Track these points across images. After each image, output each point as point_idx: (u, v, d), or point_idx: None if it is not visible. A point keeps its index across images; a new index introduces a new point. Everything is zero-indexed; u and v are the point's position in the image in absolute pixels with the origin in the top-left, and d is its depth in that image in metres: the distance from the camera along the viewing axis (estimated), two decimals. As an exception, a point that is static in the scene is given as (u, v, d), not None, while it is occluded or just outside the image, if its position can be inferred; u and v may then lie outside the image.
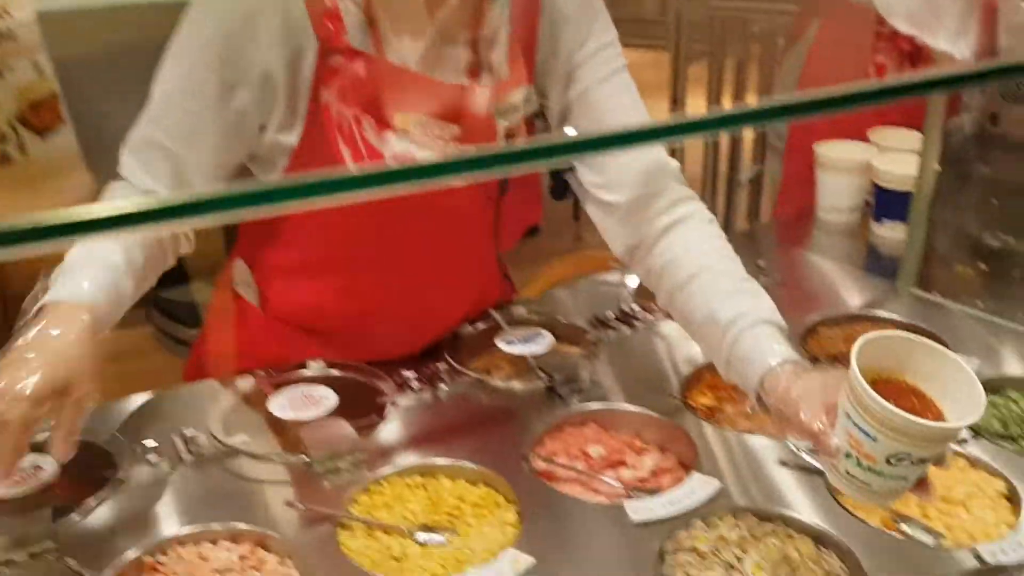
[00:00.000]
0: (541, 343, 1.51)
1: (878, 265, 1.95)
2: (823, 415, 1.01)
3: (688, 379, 1.51)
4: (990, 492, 1.23)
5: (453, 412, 1.42)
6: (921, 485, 0.99)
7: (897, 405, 0.92)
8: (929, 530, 1.18)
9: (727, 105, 3.76)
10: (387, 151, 1.28)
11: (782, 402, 1.09)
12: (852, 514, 1.18)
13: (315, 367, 1.49)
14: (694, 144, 3.93)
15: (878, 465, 0.95)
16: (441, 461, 1.29)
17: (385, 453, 1.31)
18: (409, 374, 1.47)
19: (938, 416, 0.96)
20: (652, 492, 1.25)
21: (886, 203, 2.00)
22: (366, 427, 1.35)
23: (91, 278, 1.15)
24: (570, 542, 1.14)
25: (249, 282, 1.52)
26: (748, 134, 3.71)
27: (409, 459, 1.29)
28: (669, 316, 1.44)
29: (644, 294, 1.77)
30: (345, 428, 1.30)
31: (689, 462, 1.31)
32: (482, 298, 1.63)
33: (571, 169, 1.42)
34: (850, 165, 2.07)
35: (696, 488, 1.21)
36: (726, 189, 3.90)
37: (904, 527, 1.18)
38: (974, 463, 1.29)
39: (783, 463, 1.28)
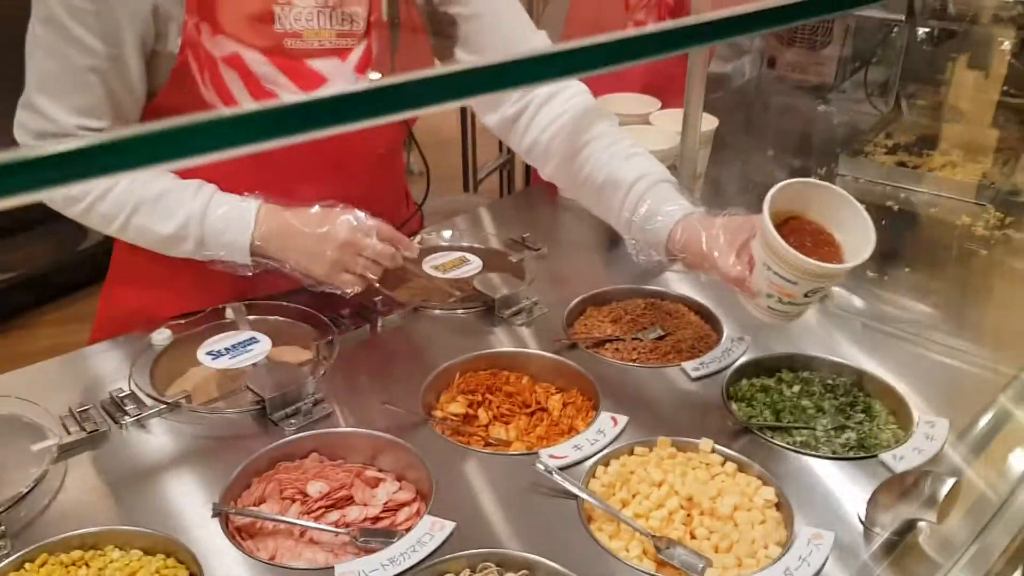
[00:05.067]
0: (254, 353, 1.25)
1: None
2: (738, 260, 1.17)
3: (436, 383, 1.30)
4: (759, 502, 1.10)
5: (134, 454, 1.14)
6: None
7: (802, 244, 1.13)
8: (695, 555, 1.03)
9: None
10: (218, 53, 1.24)
11: (696, 255, 1.22)
12: (608, 551, 1.01)
13: None
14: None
15: (798, 299, 1.15)
16: (110, 527, 1.01)
17: (32, 523, 1.02)
18: (69, 411, 1.18)
19: (834, 244, 1.16)
20: (387, 535, 1.04)
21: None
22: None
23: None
24: (263, 627, 0.91)
25: None
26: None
27: (66, 527, 1.01)
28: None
29: (390, 283, 1.54)
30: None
31: (428, 492, 1.10)
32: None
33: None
34: (631, 120, 1.89)
35: (424, 536, 1.00)
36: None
37: (666, 555, 1.02)
38: (744, 467, 1.15)
39: (536, 487, 1.10)
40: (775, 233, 1.10)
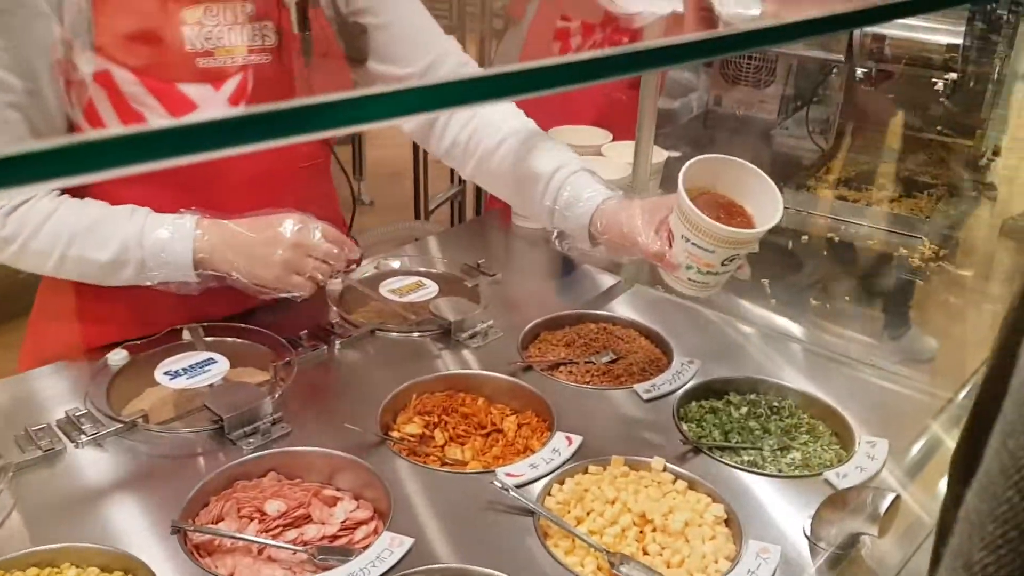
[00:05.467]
0: (212, 373, 1.26)
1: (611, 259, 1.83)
2: (657, 237, 1.23)
3: (393, 404, 1.32)
4: (709, 519, 1.13)
5: (90, 473, 1.13)
6: (741, 268, 1.25)
7: (716, 216, 1.18)
8: (648, 570, 1.05)
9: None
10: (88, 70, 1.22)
11: (617, 236, 1.27)
12: (564, 567, 1.03)
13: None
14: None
15: (716, 268, 1.21)
16: (67, 544, 1.01)
17: (-13, 541, 1.01)
18: (24, 431, 1.17)
19: (745, 215, 1.23)
20: (345, 553, 1.05)
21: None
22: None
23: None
24: (223, 643, 0.91)
25: None
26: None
27: (22, 545, 1.00)
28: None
29: (347, 306, 1.56)
30: None
31: (386, 511, 1.12)
32: None
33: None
34: (584, 152, 1.94)
35: (384, 552, 1.01)
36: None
37: (621, 571, 1.05)
38: (694, 485, 1.19)
39: (493, 505, 1.12)
40: (691, 204, 1.16)
